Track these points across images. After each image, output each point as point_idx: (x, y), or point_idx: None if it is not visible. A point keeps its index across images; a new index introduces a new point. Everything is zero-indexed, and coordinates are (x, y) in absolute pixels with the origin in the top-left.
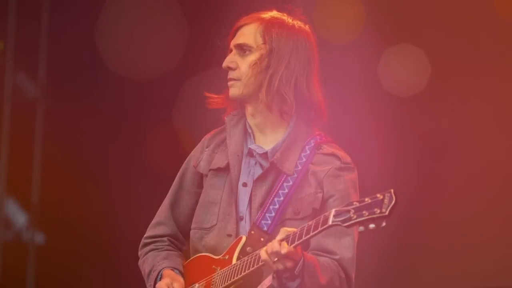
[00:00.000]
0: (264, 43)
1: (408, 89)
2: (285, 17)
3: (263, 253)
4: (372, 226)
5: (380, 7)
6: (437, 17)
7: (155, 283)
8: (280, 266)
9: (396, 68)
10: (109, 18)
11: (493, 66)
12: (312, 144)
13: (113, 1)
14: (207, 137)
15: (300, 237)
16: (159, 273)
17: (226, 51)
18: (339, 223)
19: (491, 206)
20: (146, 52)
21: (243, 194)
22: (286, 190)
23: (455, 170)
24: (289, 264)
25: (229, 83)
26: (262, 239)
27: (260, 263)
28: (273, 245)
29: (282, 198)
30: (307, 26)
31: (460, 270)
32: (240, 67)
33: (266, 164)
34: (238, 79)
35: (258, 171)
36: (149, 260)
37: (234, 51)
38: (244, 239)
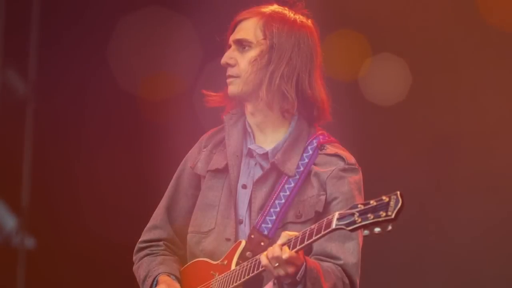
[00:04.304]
0: (265, 38)
1: (412, 89)
2: (286, 11)
3: (263, 258)
4: (377, 230)
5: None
6: (421, 24)
7: None
8: (281, 272)
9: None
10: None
11: (484, 68)
12: (315, 144)
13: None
14: (204, 136)
15: (302, 241)
16: (154, 279)
17: (225, 47)
18: (343, 226)
19: (499, 209)
20: (143, 52)
21: (243, 197)
22: (288, 192)
23: (464, 172)
24: (290, 269)
25: (228, 80)
26: (262, 243)
27: (260, 269)
28: (274, 250)
29: (283, 201)
30: (309, 21)
31: (469, 275)
32: (240, 63)
33: (266, 165)
34: (237, 76)
35: (258, 172)
36: (144, 266)
37: (233, 46)
38: (243, 243)
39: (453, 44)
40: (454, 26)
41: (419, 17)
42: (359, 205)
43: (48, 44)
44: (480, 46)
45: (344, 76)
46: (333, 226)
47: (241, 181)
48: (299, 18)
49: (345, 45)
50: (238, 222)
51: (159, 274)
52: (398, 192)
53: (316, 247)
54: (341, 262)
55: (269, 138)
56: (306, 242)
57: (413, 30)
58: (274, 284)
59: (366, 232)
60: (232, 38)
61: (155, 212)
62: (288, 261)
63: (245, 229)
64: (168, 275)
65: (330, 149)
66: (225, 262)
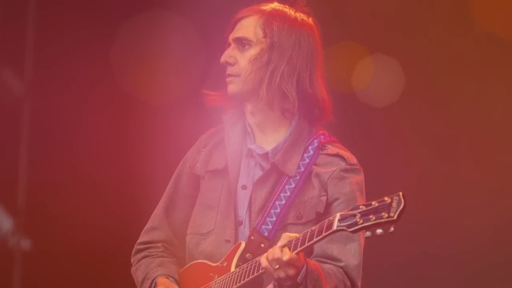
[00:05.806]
0: (265, 36)
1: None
2: (287, 9)
3: (263, 260)
4: (379, 231)
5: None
6: (413, 26)
7: None
8: (282, 274)
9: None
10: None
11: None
12: (316, 144)
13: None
14: (204, 136)
15: (303, 243)
16: (153, 281)
17: (224, 46)
18: (344, 228)
19: (502, 209)
20: (141, 52)
21: (242, 197)
22: (288, 193)
23: (466, 172)
24: (291, 271)
25: (228, 79)
26: (262, 245)
27: (260, 271)
28: (274, 252)
29: (283, 202)
30: (310, 19)
31: (473, 275)
32: (239, 62)
33: (266, 166)
34: (237, 75)
35: (258, 173)
36: (142, 268)
37: (232, 45)
38: (243, 245)
39: (453, 43)
40: (454, 26)
41: (420, 16)
42: (360, 206)
43: (44, 43)
44: (481, 46)
45: (344, 76)
46: (335, 227)
47: (241, 182)
48: (300, 16)
49: (344, 45)
50: (238, 223)
51: (157, 276)
52: (400, 193)
53: (317, 248)
54: (342, 264)
55: (270, 138)
56: (307, 244)
57: (412, 30)
58: (274, 286)
59: (368, 233)
60: (231, 36)
61: (153, 213)
62: (289, 263)
63: (245, 230)
64: (166, 277)
65: (331, 149)
66: (225, 264)
